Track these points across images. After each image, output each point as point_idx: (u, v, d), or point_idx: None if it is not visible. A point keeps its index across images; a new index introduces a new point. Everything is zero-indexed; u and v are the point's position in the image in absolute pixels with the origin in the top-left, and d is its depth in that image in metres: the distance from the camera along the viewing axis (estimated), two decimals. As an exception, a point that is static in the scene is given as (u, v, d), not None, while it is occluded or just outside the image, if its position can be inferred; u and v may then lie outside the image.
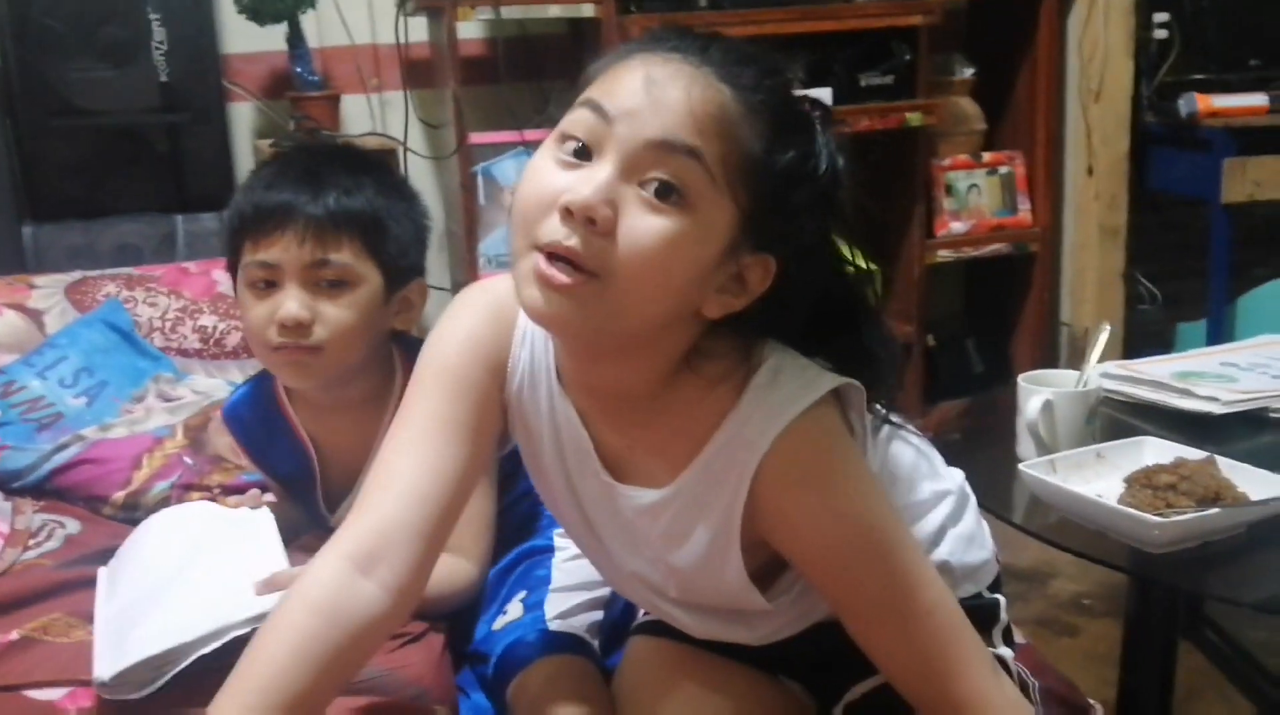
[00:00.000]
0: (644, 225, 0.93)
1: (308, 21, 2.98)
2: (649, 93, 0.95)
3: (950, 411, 3.23)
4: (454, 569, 1.46)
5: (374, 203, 1.49)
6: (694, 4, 2.85)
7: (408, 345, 1.57)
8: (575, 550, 1.41)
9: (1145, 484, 1.35)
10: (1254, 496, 1.33)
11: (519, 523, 1.56)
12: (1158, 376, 1.75)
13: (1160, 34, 3.38)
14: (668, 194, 0.94)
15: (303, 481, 1.61)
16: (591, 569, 1.32)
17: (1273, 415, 1.66)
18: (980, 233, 3.35)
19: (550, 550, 1.50)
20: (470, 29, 3.13)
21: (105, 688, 1.22)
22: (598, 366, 1.05)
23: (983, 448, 1.70)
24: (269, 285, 1.46)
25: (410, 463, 1.07)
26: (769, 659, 1.20)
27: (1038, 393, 1.56)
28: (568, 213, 0.93)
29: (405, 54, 3.11)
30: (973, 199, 3.35)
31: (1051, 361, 3.30)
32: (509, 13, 2.82)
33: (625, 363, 1.03)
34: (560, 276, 0.94)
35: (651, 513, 1.08)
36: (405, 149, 3.10)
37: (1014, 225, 3.40)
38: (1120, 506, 1.33)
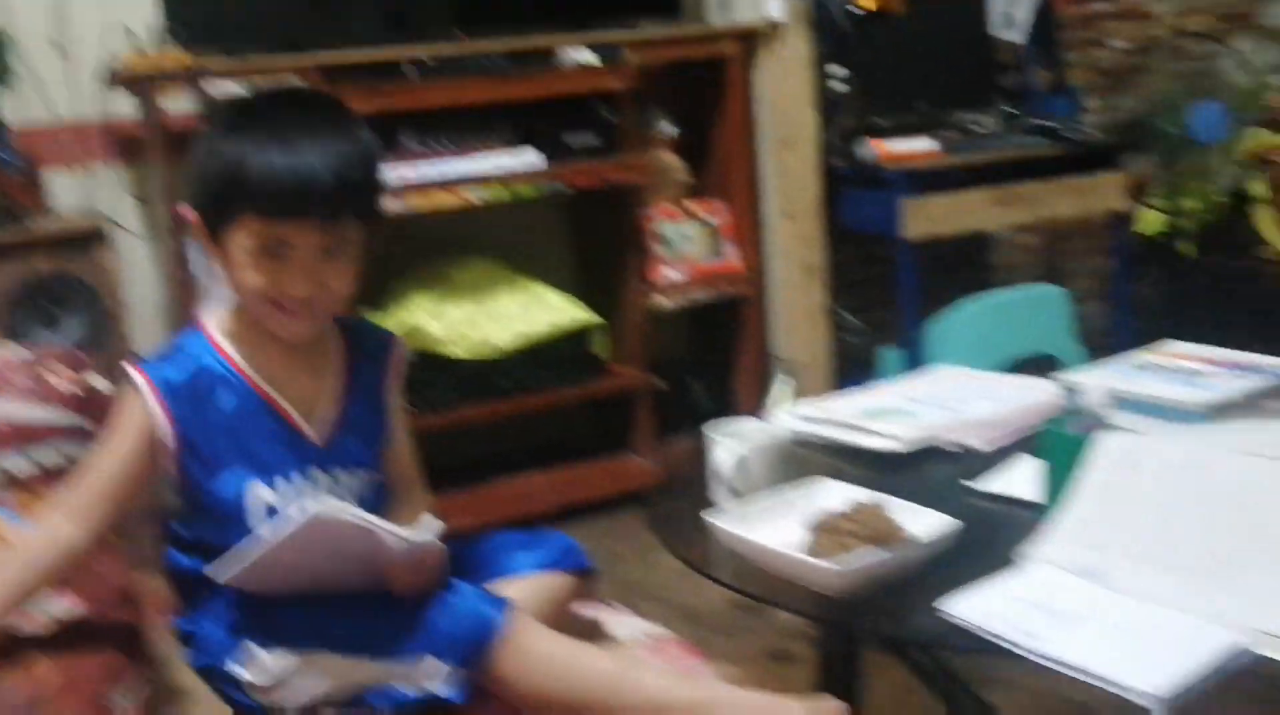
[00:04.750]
0: None
1: (4, 99, 2.91)
2: None
3: (681, 450, 3.39)
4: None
5: (370, 165, 1.45)
6: (401, 76, 2.91)
7: None
8: None
9: (827, 529, 1.42)
10: (922, 535, 1.40)
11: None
12: (846, 416, 1.84)
13: (840, 86, 3.64)
14: None
15: (250, 425, 1.49)
16: None
17: (947, 449, 1.75)
18: (695, 279, 3.54)
19: None
20: (178, 104, 3.09)
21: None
22: None
23: (678, 496, 1.73)
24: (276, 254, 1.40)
25: None
26: None
27: (721, 443, 1.64)
28: None
29: (112, 129, 3.06)
30: (685, 248, 3.53)
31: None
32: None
33: None
34: None
35: None
36: (118, 226, 3.05)
37: (724, 270, 3.61)
38: (796, 554, 1.40)
